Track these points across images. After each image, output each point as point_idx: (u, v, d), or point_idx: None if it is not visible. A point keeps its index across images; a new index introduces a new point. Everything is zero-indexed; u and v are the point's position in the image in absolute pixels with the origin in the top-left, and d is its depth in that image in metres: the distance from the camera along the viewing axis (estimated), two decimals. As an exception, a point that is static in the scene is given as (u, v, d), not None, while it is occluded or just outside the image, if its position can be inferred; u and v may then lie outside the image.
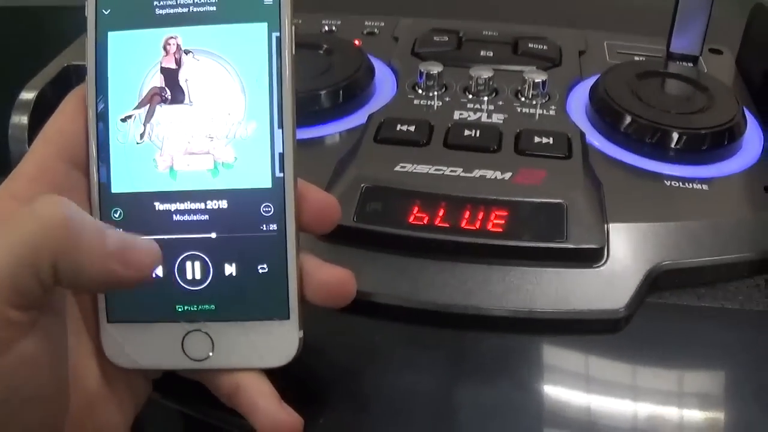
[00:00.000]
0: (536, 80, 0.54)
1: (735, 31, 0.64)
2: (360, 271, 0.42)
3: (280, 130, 0.34)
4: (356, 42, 0.60)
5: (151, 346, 0.35)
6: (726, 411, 0.41)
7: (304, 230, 0.35)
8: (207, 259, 0.34)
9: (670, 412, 0.40)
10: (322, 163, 0.48)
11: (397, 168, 0.47)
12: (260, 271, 0.34)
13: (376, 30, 0.63)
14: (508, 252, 0.44)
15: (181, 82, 0.34)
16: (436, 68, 0.55)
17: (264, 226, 0.34)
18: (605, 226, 0.45)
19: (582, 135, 0.51)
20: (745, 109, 0.54)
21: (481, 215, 0.44)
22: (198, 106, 0.34)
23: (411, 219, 0.44)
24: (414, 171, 0.47)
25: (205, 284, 0.34)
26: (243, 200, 0.34)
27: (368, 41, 0.62)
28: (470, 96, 0.54)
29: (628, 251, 0.44)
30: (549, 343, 0.43)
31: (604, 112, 0.52)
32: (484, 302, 0.43)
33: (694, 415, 0.40)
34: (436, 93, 0.54)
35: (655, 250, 0.45)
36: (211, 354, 0.35)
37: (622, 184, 0.48)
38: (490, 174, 0.47)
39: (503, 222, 0.44)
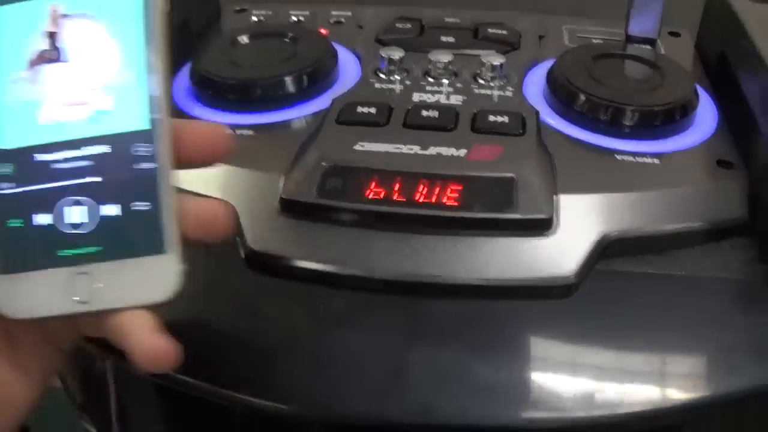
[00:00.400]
0: (494, 63, 0.56)
1: (696, 13, 0.66)
2: (322, 244, 0.44)
3: (152, 77, 0.36)
4: (322, 31, 0.62)
5: (41, 294, 0.35)
6: (671, 373, 0.42)
7: (189, 162, 0.37)
8: (91, 202, 0.36)
9: (617, 373, 0.42)
10: (287, 145, 0.50)
11: (357, 147, 0.49)
12: (140, 209, 0.36)
13: (342, 19, 0.65)
14: (462, 223, 0.45)
15: (62, 43, 0.37)
16: (397, 53, 0.57)
17: (142, 165, 0.36)
18: (555, 197, 0.46)
19: (537, 114, 0.53)
20: (700, 87, 0.56)
21: (436, 189, 0.46)
22: (77, 63, 0.37)
23: (369, 194, 0.46)
24: (372, 150, 0.48)
25: (89, 226, 0.36)
26: (122, 143, 0.36)
27: (335, 30, 0.64)
28: (430, 79, 0.56)
29: (578, 221, 0.46)
30: (502, 309, 0.44)
31: (558, 92, 0.54)
32: (439, 271, 0.44)
33: (640, 376, 0.42)
34: (397, 77, 0.56)
35: (605, 219, 0.47)
36: (99, 295, 0.35)
37: (574, 159, 0.50)
38: (445, 151, 0.48)
39: (457, 195, 0.46)
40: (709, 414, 0.44)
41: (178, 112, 0.54)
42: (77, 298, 0.35)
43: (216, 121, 0.52)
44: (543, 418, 0.41)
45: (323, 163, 0.47)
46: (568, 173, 0.48)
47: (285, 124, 0.53)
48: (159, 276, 0.36)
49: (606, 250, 0.46)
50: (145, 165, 0.36)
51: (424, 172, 0.47)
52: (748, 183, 0.50)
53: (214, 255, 0.44)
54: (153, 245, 0.36)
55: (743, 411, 0.45)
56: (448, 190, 0.46)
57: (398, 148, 0.49)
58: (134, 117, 0.36)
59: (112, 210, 0.36)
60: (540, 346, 0.43)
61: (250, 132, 0.52)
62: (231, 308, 0.46)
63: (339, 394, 0.41)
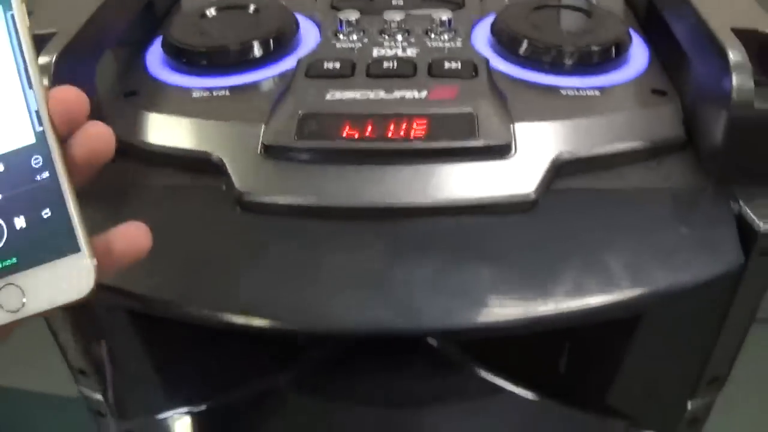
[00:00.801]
0: (443, 18, 0.61)
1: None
2: (305, 182, 0.48)
3: (32, 91, 0.38)
4: (281, 1, 0.67)
5: None
6: (624, 271, 0.48)
7: (88, 161, 0.39)
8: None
9: (576, 272, 0.47)
10: (262, 100, 0.54)
11: (328, 96, 0.53)
12: (45, 216, 0.38)
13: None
14: (429, 153, 0.50)
15: None
16: (353, 15, 0.61)
17: (38, 176, 0.38)
18: (511, 126, 0.51)
19: (486, 61, 0.58)
20: (632, 30, 0.61)
21: (404, 125, 0.51)
22: None
23: (344, 134, 0.51)
24: (343, 98, 0.53)
25: (3, 242, 0.38)
26: (15, 160, 0.38)
27: (291, 2, 0.68)
28: (386, 37, 0.61)
29: (534, 146, 0.51)
30: (473, 225, 0.49)
31: (504, 39, 0.59)
32: (412, 197, 0.49)
33: (598, 275, 0.47)
34: (355, 37, 0.61)
35: (557, 143, 0.52)
36: (24, 302, 0.37)
37: (524, 95, 0.55)
38: (408, 94, 0.53)
39: (423, 130, 0.51)
40: (660, 306, 0.49)
41: (155, 82, 0.58)
42: (6, 308, 0.37)
43: (190, 88, 0.56)
44: (515, 316, 0.45)
45: (300, 111, 0.52)
46: (520, 107, 0.53)
47: (256, 84, 0.57)
48: (78, 274, 0.37)
49: (560, 170, 0.51)
50: (43, 174, 0.38)
51: (392, 113, 0.51)
52: (682, 106, 0.55)
53: (203, 202, 0.48)
54: (66, 246, 0.38)
55: (686, 303, 0.50)
56: (415, 124, 0.51)
57: (365, 94, 0.53)
58: (21, 133, 0.38)
59: (19, 222, 0.38)
60: (507, 255, 0.48)
61: (226, 92, 0.56)
62: (219, 242, 0.50)
63: (326, 306, 0.45)
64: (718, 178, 0.51)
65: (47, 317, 0.52)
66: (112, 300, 0.48)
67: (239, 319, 0.46)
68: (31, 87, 0.39)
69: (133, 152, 0.53)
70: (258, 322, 0.45)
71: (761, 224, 0.49)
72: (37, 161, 0.38)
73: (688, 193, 0.52)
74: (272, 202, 0.49)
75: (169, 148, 0.52)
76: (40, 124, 0.38)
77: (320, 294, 0.45)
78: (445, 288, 0.45)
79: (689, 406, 0.60)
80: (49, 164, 0.38)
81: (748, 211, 0.50)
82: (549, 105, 0.54)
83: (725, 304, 0.52)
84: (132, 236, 0.40)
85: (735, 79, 0.47)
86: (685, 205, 0.51)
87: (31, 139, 0.38)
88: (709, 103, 0.51)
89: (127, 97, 0.56)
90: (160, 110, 0.54)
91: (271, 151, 0.50)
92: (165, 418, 0.63)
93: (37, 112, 0.38)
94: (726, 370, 0.58)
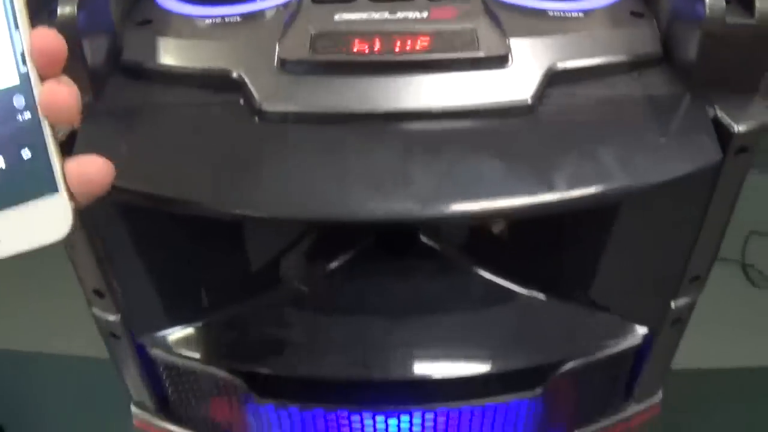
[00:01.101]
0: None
1: None
2: (320, 92, 0.52)
3: (18, 32, 0.39)
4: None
5: None
6: (612, 163, 0.52)
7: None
8: None
9: (568, 166, 0.51)
10: (272, 24, 0.58)
11: (336, 17, 0.57)
12: (26, 156, 0.39)
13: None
14: (435, 64, 0.54)
15: None
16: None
17: (20, 116, 0.39)
18: (507, 39, 0.56)
19: (478, -13, 0.62)
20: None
21: (409, 41, 0.55)
22: None
23: (355, 50, 0.55)
24: (351, 18, 0.57)
25: None
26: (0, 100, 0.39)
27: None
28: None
29: (529, 58, 0.56)
30: (476, 128, 0.54)
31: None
32: (421, 102, 0.53)
33: (588, 166, 0.52)
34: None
35: (549, 55, 0.56)
36: (4, 241, 0.38)
37: (515, 17, 0.59)
38: (411, 15, 0.57)
39: (427, 43, 0.55)
40: (647, 196, 0.54)
41: (167, 13, 0.61)
42: None
43: (203, 16, 0.60)
44: (524, 202, 0.50)
45: (311, 30, 0.55)
46: (513, 26, 0.58)
47: (266, 11, 0.61)
48: (56, 214, 0.39)
49: (553, 79, 0.56)
50: (25, 115, 0.39)
51: (399, 30, 0.55)
52: (658, 27, 0.60)
53: (223, 115, 0.53)
54: (45, 187, 0.39)
55: (671, 197, 0.55)
56: (420, 39, 0.55)
57: (371, 15, 0.57)
58: (5, 74, 0.39)
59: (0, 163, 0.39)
60: (511, 152, 0.53)
61: (237, 19, 0.59)
62: (241, 147, 0.53)
63: (350, 196, 0.49)
64: (694, 88, 0.56)
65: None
66: (145, 203, 0.51)
67: (267, 212, 0.49)
68: (17, 28, 0.39)
69: (152, 76, 0.57)
70: (286, 212, 0.49)
71: (736, 126, 0.54)
72: (20, 102, 0.39)
73: (669, 99, 0.56)
74: (290, 110, 0.53)
75: (190, 68, 0.56)
76: (25, 65, 0.39)
77: (344, 186, 0.49)
78: (460, 178, 0.50)
79: (672, 305, 0.65)
80: (31, 105, 0.39)
81: (724, 115, 0.55)
82: (539, 24, 0.59)
83: (705, 199, 0.57)
84: (89, 173, 0.41)
85: (708, -3, 0.51)
86: (667, 110, 0.56)
87: (15, 81, 0.39)
88: (684, 21, 0.56)
89: (141, 25, 0.59)
90: (178, 35, 0.58)
91: (287, 66, 0.54)
92: (174, 332, 0.66)
93: (22, 53, 0.39)
94: (705, 271, 0.63)
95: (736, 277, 1.66)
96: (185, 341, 0.66)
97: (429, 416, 0.66)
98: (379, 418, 0.65)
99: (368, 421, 0.66)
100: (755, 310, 1.58)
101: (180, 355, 0.66)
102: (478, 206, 0.49)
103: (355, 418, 0.66)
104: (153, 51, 0.57)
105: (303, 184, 0.49)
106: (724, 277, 1.63)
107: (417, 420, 0.66)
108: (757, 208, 1.66)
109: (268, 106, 0.53)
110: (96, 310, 0.67)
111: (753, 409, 1.39)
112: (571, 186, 0.50)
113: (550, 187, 0.50)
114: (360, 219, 0.49)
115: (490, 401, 0.64)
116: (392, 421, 0.66)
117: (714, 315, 1.38)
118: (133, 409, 0.78)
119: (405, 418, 0.66)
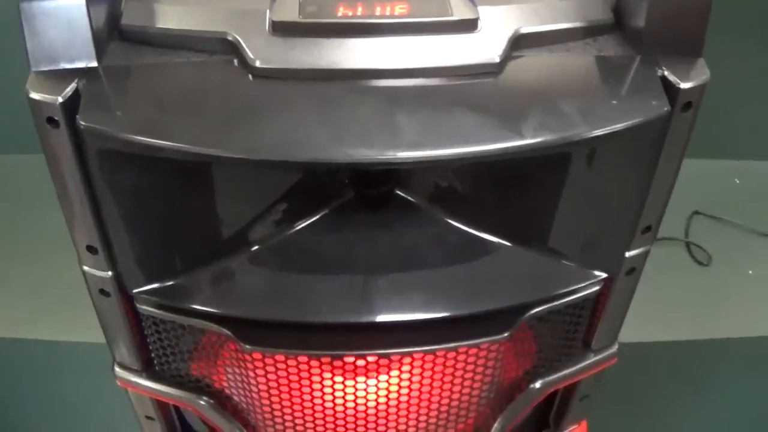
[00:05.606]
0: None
1: None
2: (310, 51, 0.57)
3: None
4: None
5: None
6: (578, 116, 0.58)
7: None
8: None
9: (530, 119, 0.57)
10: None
11: (319, -12, 0.62)
12: None
13: None
14: (412, 26, 0.60)
15: None
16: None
17: None
18: (476, 7, 0.62)
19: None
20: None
21: (388, 7, 0.60)
22: None
23: (339, 14, 0.60)
24: (335, -10, 0.62)
25: None
26: None
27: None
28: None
29: (494, 23, 0.62)
30: (451, 86, 0.59)
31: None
32: (400, 62, 0.59)
33: (551, 119, 0.58)
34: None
35: (512, 22, 0.62)
36: None
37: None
38: (388, -16, 0.63)
39: (406, 9, 0.60)
40: (598, 145, 0.60)
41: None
42: None
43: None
44: (497, 146, 0.56)
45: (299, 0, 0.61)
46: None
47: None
48: None
49: (518, 42, 0.62)
50: None
51: (378, -3, 0.61)
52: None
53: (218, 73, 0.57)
54: None
55: (624, 146, 0.62)
56: (398, 6, 0.61)
57: (353, -15, 0.63)
58: None
59: None
60: (483, 104, 0.58)
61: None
62: (237, 102, 0.58)
63: (339, 140, 0.54)
64: (644, 52, 0.62)
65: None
66: (151, 152, 0.55)
67: (263, 155, 0.54)
68: None
69: (150, 40, 0.61)
70: (281, 155, 0.54)
71: (681, 83, 0.60)
72: None
73: (622, 61, 0.63)
74: (282, 67, 0.58)
75: (187, 30, 0.60)
76: None
77: (334, 131, 0.54)
78: (439, 127, 0.55)
79: (627, 255, 0.71)
80: None
81: (671, 73, 0.61)
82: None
83: (656, 152, 0.63)
84: None
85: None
86: (621, 70, 0.62)
87: None
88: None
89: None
90: (175, 1, 0.62)
91: (279, 27, 0.59)
92: (163, 285, 0.70)
93: None
94: (656, 221, 0.70)
95: (681, 255, 1.74)
96: (173, 293, 0.70)
97: (406, 361, 0.71)
98: (360, 362, 0.70)
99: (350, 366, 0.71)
100: (698, 286, 1.67)
101: (169, 307, 0.70)
102: (459, 151, 0.54)
103: (338, 363, 0.71)
104: (151, 15, 0.62)
105: (297, 130, 0.54)
106: (670, 255, 1.72)
107: (394, 367, 0.72)
108: (699, 191, 1.76)
109: (262, 64, 0.58)
110: (87, 268, 0.70)
111: (697, 379, 1.47)
112: (538, 133, 0.56)
113: (520, 135, 0.55)
114: (354, 161, 0.54)
115: (462, 345, 0.70)
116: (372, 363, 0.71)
117: (660, 291, 1.47)
118: (117, 369, 0.81)
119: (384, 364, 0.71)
